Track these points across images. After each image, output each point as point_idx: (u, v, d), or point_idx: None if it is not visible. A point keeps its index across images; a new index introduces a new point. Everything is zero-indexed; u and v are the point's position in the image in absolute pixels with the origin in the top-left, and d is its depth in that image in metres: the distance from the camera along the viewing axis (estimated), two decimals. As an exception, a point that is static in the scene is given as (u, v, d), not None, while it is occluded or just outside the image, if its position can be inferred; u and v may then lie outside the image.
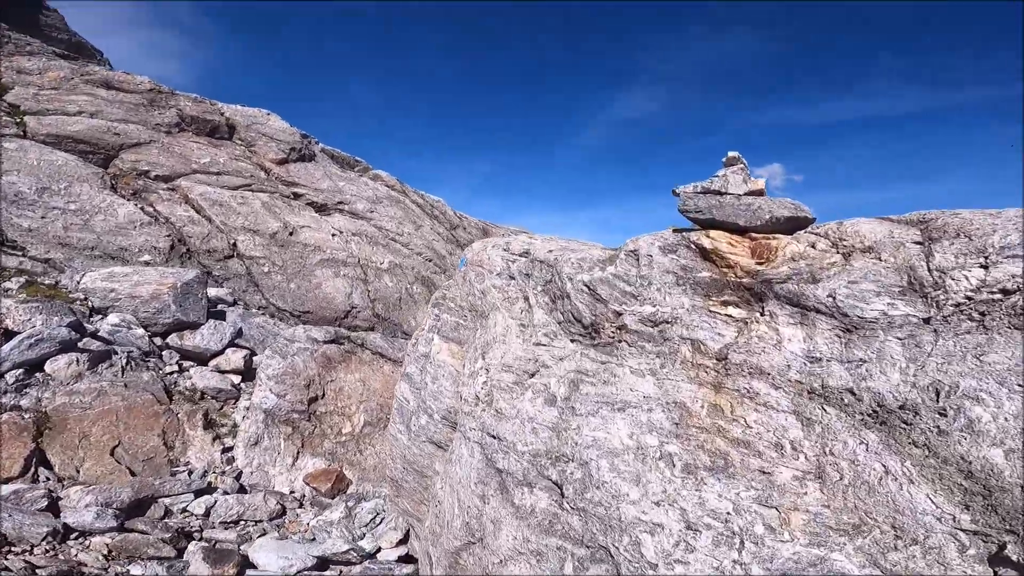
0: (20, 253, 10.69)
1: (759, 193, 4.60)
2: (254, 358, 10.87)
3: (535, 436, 4.80)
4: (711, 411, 4.05)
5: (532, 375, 5.37)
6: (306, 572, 6.41)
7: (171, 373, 9.58)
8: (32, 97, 14.47)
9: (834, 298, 3.72)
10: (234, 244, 13.76)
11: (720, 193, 4.53)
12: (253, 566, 6.35)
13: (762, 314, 4.08)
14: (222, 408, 9.41)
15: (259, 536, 6.96)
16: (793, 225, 4.42)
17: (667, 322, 4.42)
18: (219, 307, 11.66)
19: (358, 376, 10.61)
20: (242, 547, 6.58)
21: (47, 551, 5.35)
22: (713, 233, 4.50)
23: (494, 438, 5.25)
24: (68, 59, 16.77)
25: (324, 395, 10.24)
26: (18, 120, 13.86)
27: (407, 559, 6.89)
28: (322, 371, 10.31)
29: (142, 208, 13.14)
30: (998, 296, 3.19)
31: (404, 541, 7.12)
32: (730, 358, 4.06)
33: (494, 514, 4.86)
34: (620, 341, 4.74)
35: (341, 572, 6.63)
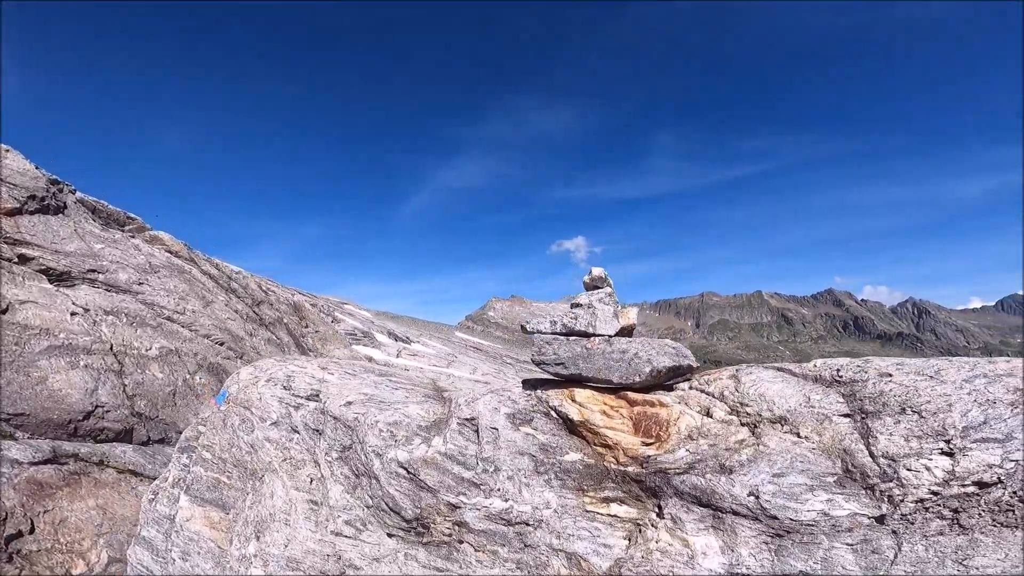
0: None
1: (630, 330, 3.54)
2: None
3: None
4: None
5: (332, 581, 3.47)
6: None
7: None
8: None
9: (757, 497, 2.65)
10: (-99, 327, 9.36)
11: (587, 334, 3.35)
12: None
13: (659, 515, 2.86)
14: None
15: None
16: (674, 374, 3.41)
17: (527, 524, 2.98)
18: None
19: (93, 503, 7.78)
20: None
21: None
22: (581, 395, 3.23)
23: None
24: None
25: (33, 530, 7.29)
26: None
27: None
28: (28, 500, 7.38)
29: None
30: (972, 490, 2.41)
31: None
32: (623, 581, 2.74)
33: None
34: (460, 542, 3.15)
35: None
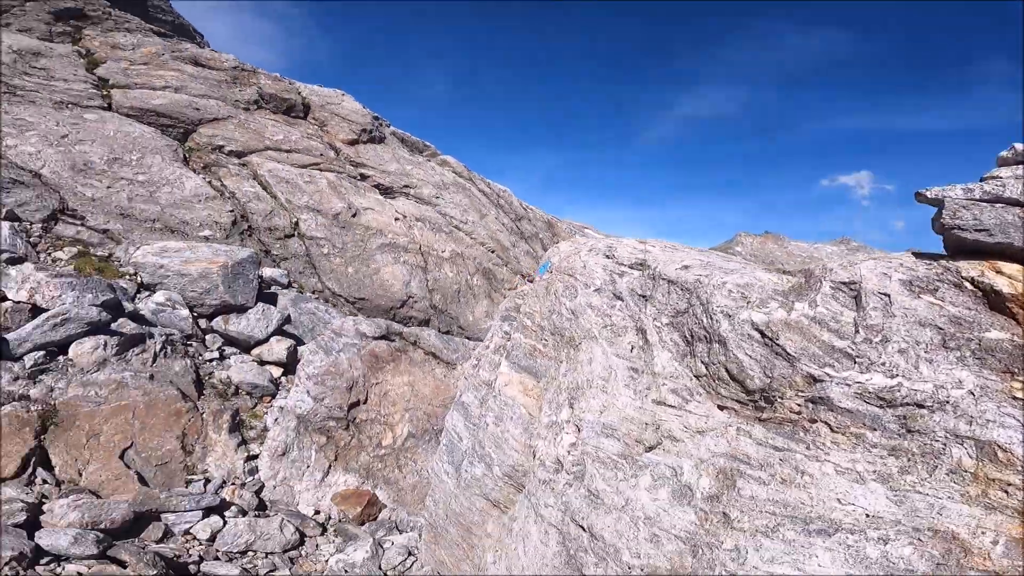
0: (79, 223, 10.15)
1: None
2: (300, 348, 9.94)
3: (655, 547, 3.11)
4: (1011, 552, 2.23)
5: (651, 448, 3.66)
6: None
7: (210, 360, 8.62)
8: (122, 71, 14.51)
9: None
10: (296, 223, 13.03)
11: (1016, 203, 2.71)
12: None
13: None
14: (255, 407, 8.30)
15: (267, 573, 5.74)
16: None
17: (920, 406, 2.61)
18: (272, 289, 10.84)
19: (406, 379, 9.32)
20: (242, 591, 5.31)
21: (5, 581, 4.24)
22: (1009, 269, 2.65)
23: (583, 529, 3.62)
24: (164, 37, 16.96)
25: (367, 400, 8.97)
26: (104, 93, 13.95)
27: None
28: (368, 372, 9.06)
29: (210, 182, 12.60)
30: None
31: (440, 596, 5.65)
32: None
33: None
34: (813, 421, 2.96)
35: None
